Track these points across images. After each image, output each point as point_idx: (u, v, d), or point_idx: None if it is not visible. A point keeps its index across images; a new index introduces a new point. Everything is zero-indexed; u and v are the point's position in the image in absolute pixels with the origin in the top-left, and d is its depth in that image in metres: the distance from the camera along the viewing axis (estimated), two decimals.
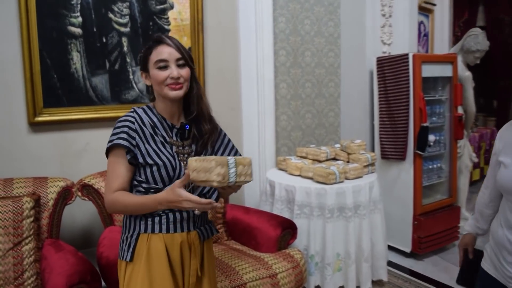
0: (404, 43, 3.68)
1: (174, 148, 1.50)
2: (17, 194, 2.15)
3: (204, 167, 1.27)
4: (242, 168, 1.30)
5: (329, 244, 2.58)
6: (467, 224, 1.70)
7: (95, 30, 2.63)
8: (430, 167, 3.45)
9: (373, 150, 3.50)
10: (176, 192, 1.32)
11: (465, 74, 3.81)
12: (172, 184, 1.37)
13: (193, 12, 2.94)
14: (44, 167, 2.53)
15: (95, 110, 2.67)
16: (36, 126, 2.52)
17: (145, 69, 1.51)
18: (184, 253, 1.49)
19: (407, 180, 3.24)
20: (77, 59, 2.59)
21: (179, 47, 1.48)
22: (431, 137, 3.19)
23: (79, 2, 2.56)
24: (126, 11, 2.72)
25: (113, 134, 1.45)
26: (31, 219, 2.09)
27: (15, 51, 2.43)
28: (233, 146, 1.66)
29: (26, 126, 2.50)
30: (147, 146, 1.45)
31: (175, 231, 1.47)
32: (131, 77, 2.77)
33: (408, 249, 3.28)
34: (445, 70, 3.43)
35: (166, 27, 2.86)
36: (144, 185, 1.45)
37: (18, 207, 2.06)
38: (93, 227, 2.68)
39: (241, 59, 3.18)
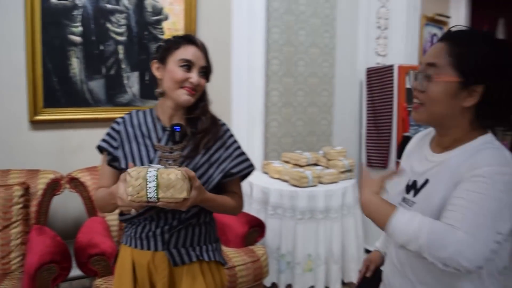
0: (399, 54, 3.77)
1: (159, 153, 1.39)
2: (11, 184, 2.41)
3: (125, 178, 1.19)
4: (166, 182, 1.14)
5: (300, 245, 2.71)
6: (378, 241, 1.52)
7: (93, 38, 2.89)
8: None
9: (360, 158, 3.60)
10: (117, 186, 1.22)
11: None
12: None
13: (187, 23, 3.16)
14: (42, 161, 2.79)
15: (90, 111, 2.92)
16: (36, 124, 2.79)
17: (162, 60, 1.42)
18: (153, 276, 1.38)
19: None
20: (76, 65, 2.85)
21: (207, 55, 1.43)
22: None
23: (80, 13, 2.83)
24: (123, 21, 2.97)
25: None
26: (20, 205, 2.34)
27: (20, 56, 2.71)
28: (238, 155, 1.48)
29: (27, 123, 2.78)
30: (127, 149, 1.41)
31: (141, 248, 1.38)
32: (125, 82, 3.01)
33: None
34: None
35: (160, 36, 3.09)
36: None
37: (9, 194, 2.32)
38: (84, 218, 2.92)
39: (233, 67, 3.37)
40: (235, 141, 1.52)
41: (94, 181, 2.57)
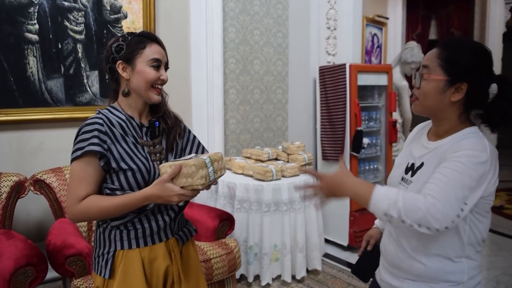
0: (348, 53, 4.00)
1: (146, 148, 1.45)
2: None
3: (183, 172, 1.26)
4: (217, 164, 1.33)
5: (266, 236, 2.84)
6: (377, 220, 1.65)
7: (51, 36, 2.82)
8: (367, 167, 3.76)
9: (316, 152, 3.79)
10: (168, 188, 1.27)
11: (402, 83, 4.17)
12: (158, 179, 1.31)
13: (145, 22, 3.17)
14: (0, 163, 2.70)
15: (49, 111, 2.85)
16: None
17: (128, 61, 1.42)
18: (167, 262, 1.46)
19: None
20: (33, 64, 2.77)
21: (166, 50, 1.51)
22: (365, 140, 3.50)
23: (36, 10, 2.75)
24: (81, 19, 2.92)
25: (82, 140, 1.34)
26: None
27: None
28: (199, 143, 1.64)
29: None
30: (119, 149, 1.38)
31: (153, 243, 1.44)
32: (85, 81, 2.97)
33: (345, 243, 3.57)
34: (380, 79, 3.76)
35: (119, 35, 3.07)
36: (119, 192, 1.36)
37: None
38: (47, 221, 2.85)
39: (192, 66, 3.43)
40: (190, 130, 1.65)
41: (61, 182, 2.53)
